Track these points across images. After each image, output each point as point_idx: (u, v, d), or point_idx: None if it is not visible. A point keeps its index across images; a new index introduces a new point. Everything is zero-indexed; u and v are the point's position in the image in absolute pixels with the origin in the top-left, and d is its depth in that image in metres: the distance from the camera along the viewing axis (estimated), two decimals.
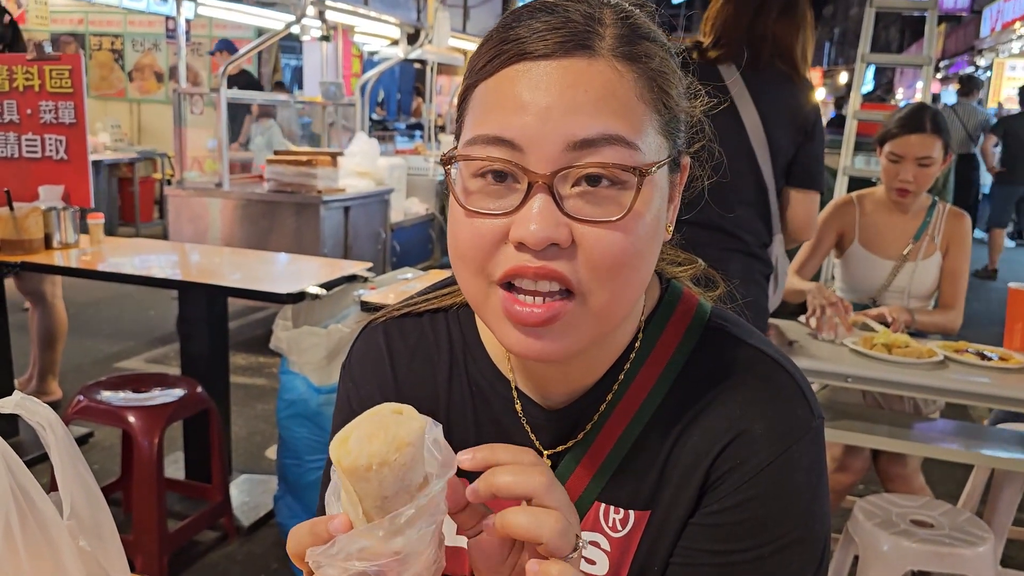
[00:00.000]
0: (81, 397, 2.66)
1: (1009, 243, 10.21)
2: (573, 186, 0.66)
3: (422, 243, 6.55)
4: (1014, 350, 2.42)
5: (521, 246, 0.65)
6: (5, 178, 3.41)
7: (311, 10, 5.28)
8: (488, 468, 0.63)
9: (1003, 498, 2.56)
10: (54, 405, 3.82)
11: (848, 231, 2.69)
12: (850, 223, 2.68)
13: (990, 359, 2.30)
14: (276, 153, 5.28)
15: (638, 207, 0.66)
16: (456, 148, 0.70)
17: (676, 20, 0.85)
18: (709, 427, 0.75)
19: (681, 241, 0.83)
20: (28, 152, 3.47)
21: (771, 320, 2.48)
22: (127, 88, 10.57)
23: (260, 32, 8.26)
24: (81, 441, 3.61)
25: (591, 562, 0.78)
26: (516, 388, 0.81)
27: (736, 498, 0.73)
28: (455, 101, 0.76)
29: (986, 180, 9.47)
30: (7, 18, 3.91)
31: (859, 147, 4.59)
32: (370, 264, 3.12)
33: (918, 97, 4.87)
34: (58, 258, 3.16)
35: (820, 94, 14.50)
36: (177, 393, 2.70)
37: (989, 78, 14.88)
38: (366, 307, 2.59)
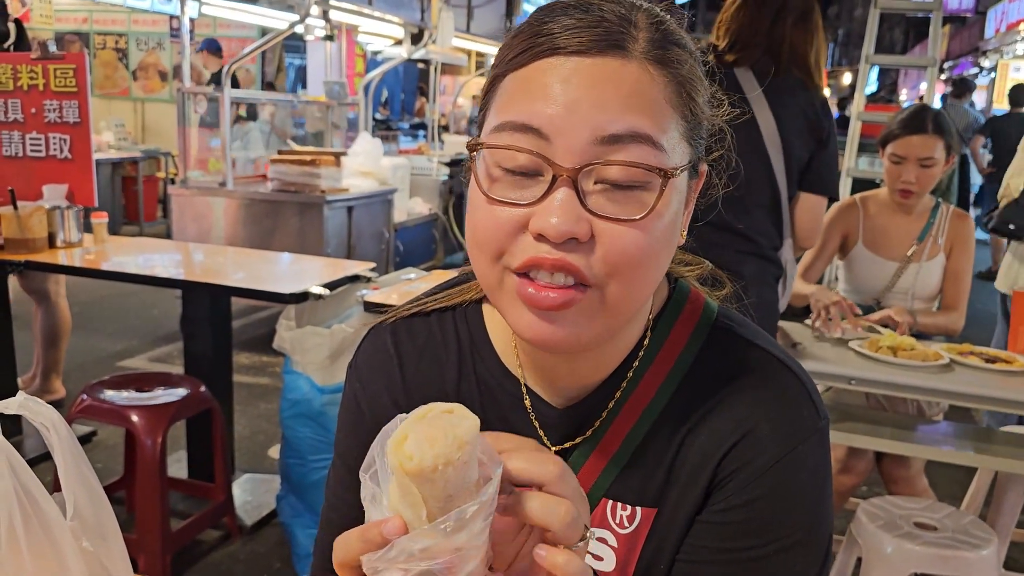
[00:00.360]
0: (84, 396, 2.66)
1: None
2: (596, 183, 0.66)
3: (425, 243, 6.55)
4: (1019, 353, 2.41)
5: (540, 237, 0.66)
6: (9, 177, 3.42)
7: (315, 10, 5.28)
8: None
9: (1007, 501, 2.55)
10: (58, 403, 3.83)
11: (852, 233, 2.69)
12: (854, 225, 2.68)
13: (995, 362, 2.30)
14: (280, 153, 5.29)
15: (659, 208, 0.67)
16: (480, 136, 0.71)
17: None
18: (716, 427, 0.75)
19: (696, 243, 0.83)
20: (32, 151, 3.47)
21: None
22: (131, 87, 10.57)
23: (264, 31, 8.26)
24: (84, 440, 3.61)
25: (598, 558, 0.79)
26: (525, 386, 0.81)
27: (742, 497, 0.74)
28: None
29: (976, 180, 9.42)
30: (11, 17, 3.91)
31: (863, 148, 4.58)
32: (373, 264, 3.12)
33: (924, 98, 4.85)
34: (62, 257, 3.16)
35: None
36: (180, 392, 2.71)
37: (994, 79, 14.85)
38: (369, 307, 2.59)
